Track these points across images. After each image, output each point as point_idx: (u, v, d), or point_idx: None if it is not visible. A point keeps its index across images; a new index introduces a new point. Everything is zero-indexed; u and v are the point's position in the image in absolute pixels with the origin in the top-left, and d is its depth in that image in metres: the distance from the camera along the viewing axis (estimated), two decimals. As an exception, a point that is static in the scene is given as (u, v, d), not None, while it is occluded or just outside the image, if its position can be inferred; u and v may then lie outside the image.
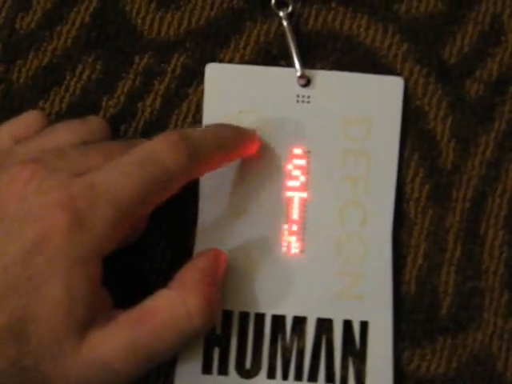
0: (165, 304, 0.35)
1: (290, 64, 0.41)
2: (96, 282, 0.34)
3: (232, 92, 0.41)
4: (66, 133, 0.38)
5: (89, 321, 0.34)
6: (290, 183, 0.40)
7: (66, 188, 0.34)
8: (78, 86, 0.42)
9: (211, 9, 0.42)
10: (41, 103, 0.41)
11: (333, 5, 0.42)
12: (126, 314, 0.35)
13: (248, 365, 0.39)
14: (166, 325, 0.35)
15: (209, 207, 0.40)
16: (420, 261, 0.40)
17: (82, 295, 0.33)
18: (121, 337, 0.34)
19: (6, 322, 0.33)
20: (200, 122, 0.41)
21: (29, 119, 0.39)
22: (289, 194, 0.40)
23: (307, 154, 0.40)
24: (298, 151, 0.40)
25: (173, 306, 0.35)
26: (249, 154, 0.40)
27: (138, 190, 0.34)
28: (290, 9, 0.42)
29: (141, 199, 0.34)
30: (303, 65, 0.41)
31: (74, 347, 0.33)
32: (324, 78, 0.41)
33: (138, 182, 0.34)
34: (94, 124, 0.39)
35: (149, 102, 0.41)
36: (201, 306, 0.35)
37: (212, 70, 0.41)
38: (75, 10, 0.42)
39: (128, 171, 0.34)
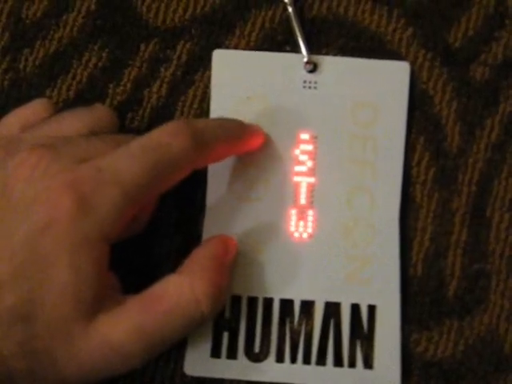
0: (173, 289, 0.35)
1: (296, 50, 0.41)
2: (103, 266, 0.34)
3: (239, 78, 0.41)
4: (73, 120, 0.38)
5: (96, 304, 0.34)
6: (298, 168, 0.40)
7: (73, 171, 0.34)
8: (85, 73, 0.42)
9: (216, -5, 0.42)
10: (48, 91, 0.42)
11: (337, -10, 0.42)
12: (135, 298, 0.35)
13: (257, 349, 0.39)
14: (174, 310, 0.35)
15: (217, 193, 0.40)
16: (426, 244, 0.40)
17: (89, 278, 0.33)
18: (129, 321, 0.34)
19: (13, 304, 0.33)
20: (206, 108, 0.41)
21: (36, 107, 0.39)
22: (296, 179, 0.40)
23: (314, 139, 0.40)
24: (305, 136, 0.40)
25: (181, 291, 0.35)
26: (252, 148, 0.40)
27: (144, 174, 0.34)
28: (294, -6, 0.42)
29: (147, 183, 0.35)
30: (309, 51, 0.41)
31: (82, 330, 0.33)
32: (331, 63, 0.41)
33: (144, 165, 0.34)
34: (100, 112, 0.39)
35: (155, 89, 0.41)
36: (208, 292, 0.35)
37: (219, 57, 0.41)
38: (81, -2, 0.42)
39: (134, 155, 0.35)
